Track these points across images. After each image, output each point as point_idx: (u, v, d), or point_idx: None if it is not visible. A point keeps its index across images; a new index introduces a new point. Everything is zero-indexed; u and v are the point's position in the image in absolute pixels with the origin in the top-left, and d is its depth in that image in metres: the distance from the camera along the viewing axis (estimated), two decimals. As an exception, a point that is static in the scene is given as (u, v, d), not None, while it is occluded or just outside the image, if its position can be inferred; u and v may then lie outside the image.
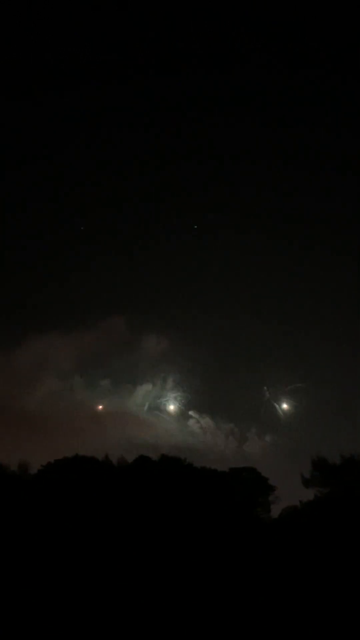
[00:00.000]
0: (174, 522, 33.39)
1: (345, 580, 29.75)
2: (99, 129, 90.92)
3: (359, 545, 31.41)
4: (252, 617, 28.52)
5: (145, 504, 33.68)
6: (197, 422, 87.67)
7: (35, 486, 34.28)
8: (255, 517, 38.54)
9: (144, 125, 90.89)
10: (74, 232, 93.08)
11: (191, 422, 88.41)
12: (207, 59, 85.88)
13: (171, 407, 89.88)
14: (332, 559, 31.43)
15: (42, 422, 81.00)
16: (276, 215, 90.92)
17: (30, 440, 71.52)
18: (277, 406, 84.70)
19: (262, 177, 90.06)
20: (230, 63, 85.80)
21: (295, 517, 38.15)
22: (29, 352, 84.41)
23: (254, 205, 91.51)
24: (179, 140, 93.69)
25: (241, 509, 38.25)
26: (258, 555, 33.38)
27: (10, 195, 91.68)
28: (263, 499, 38.58)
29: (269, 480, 40.00)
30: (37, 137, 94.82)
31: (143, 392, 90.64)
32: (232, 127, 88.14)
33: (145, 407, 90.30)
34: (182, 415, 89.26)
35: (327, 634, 26.99)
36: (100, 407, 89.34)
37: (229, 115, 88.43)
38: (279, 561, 32.84)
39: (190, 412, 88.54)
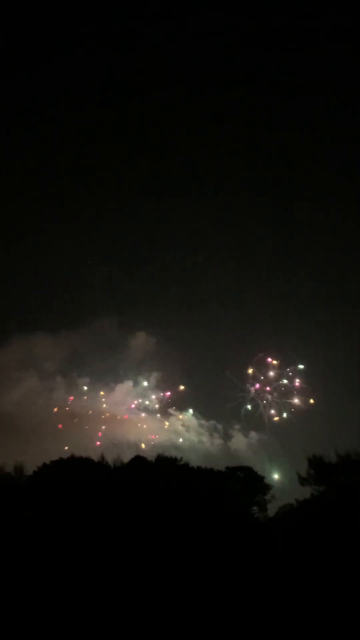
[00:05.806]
0: (174, 521, 33.23)
1: (342, 579, 30.10)
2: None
3: (355, 544, 31.83)
4: (248, 617, 28.62)
5: (145, 504, 33.39)
6: (179, 420, 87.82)
7: (33, 488, 33.56)
8: (251, 515, 38.73)
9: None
10: (68, 233, 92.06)
11: (172, 419, 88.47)
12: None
13: (152, 405, 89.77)
14: (328, 557, 31.79)
15: (22, 422, 79.89)
16: (267, 211, 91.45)
17: (11, 441, 70.37)
18: (262, 404, 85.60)
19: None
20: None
21: (291, 515, 38.46)
22: (12, 351, 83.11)
23: (245, 206, 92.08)
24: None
25: (238, 507, 38.36)
26: (255, 553, 33.55)
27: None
28: (259, 498, 38.82)
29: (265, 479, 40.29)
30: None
31: (124, 390, 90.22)
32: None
33: (126, 406, 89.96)
34: (164, 413, 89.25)
35: (324, 633, 27.26)
36: (81, 406, 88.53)
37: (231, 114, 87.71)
38: (276, 559, 33.08)
39: (170, 410, 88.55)
